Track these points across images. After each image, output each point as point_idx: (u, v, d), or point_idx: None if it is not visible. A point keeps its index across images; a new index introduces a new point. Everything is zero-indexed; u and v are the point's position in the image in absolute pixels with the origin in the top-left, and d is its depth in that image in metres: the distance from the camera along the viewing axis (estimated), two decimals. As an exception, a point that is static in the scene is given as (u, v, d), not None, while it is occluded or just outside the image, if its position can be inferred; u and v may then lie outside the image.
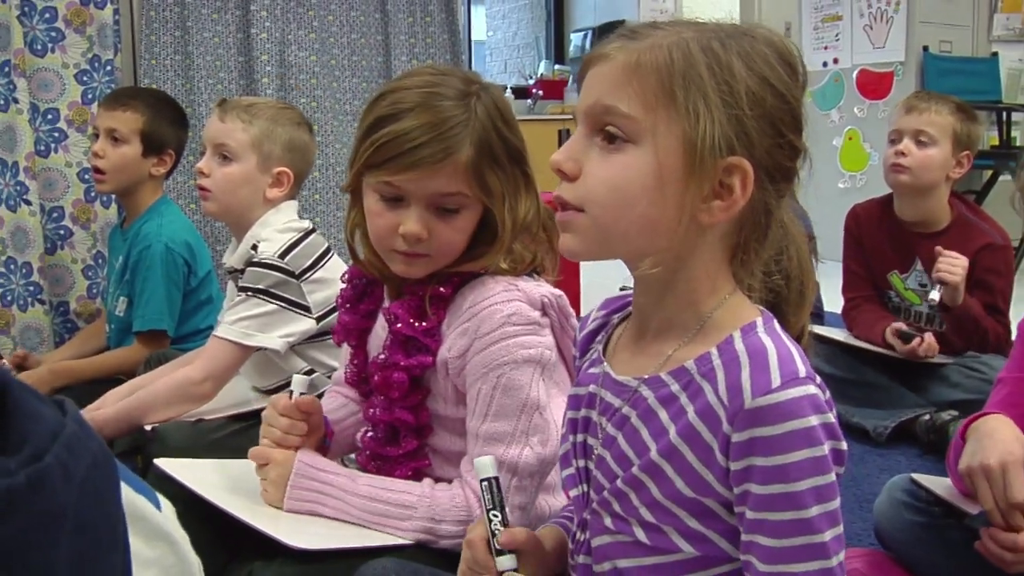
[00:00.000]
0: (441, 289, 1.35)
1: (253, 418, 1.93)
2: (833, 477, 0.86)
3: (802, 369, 0.87)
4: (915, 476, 1.62)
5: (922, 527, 1.57)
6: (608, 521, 0.97)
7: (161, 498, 0.73)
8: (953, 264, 2.41)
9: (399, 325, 1.35)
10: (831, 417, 0.86)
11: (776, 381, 0.85)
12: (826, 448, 0.85)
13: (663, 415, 0.92)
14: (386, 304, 1.42)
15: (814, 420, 0.84)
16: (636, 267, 0.93)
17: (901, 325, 2.58)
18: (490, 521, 1.04)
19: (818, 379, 0.88)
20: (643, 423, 0.94)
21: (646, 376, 0.95)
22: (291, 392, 1.43)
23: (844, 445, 0.87)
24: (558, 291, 1.36)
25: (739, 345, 0.89)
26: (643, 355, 0.97)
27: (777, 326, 0.93)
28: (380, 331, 1.44)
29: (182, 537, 0.73)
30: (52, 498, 0.51)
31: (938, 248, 2.45)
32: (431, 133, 1.26)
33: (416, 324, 1.34)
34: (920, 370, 2.56)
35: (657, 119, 0.88)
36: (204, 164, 2.02)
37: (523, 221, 1.34)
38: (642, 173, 0.88)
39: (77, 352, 2.72)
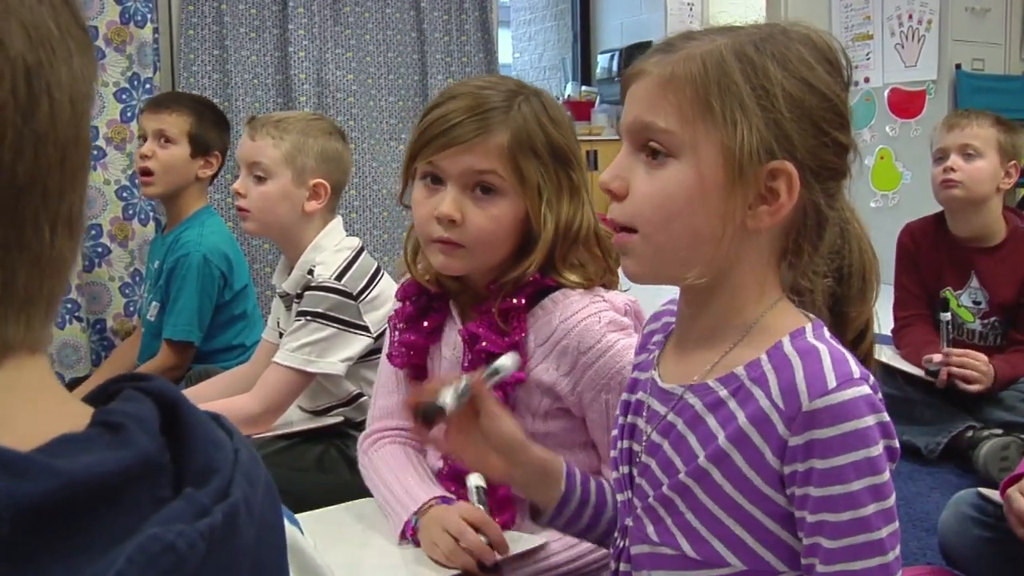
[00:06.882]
0: (513, 301, 1.32)
1: (298, 436, 1.96)
2: (888, 475, 0.85)
3: (856, 369, 0.86)
4: (982, 490, 1.58)
5: (989, 542, 1.54)
6: (650, 530, 0.96)
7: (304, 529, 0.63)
8: (969, 371, 2.43)
9: (483, 343, 1.32)
10: (885, 416, 0.86)
11: (832, 382, 0.84)
12: (881, 447, 0.84)
13: (711, 421, 0.91)
14: (458, 325, 1.40)
15: (870, 420, 0.84)
16: (684, 279, 0.92)
17: (933, 356, 2.52)
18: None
19: (871, 378, 0.88)
20: (690, 430, 0.93)
21: (691, 383, 0.94)
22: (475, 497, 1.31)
23: (897, 443, 0.87)
24: (633, 297, 1.36)
25: (788, 348, 0.88)
26: (686, 362, 0.96)
27: (827, 333, 0.92)
28: (446, 352, 1.41)
29: (331, 572, 0.63)
30: (240, 536, 0.45)
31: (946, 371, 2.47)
32: (469, 113, 1.29)
33: (500, 340, 1.31)
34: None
35: (696, 131, 0.88)
36: (240, 184, 2.01)
37: (569, 226, 1.32)
38: (685, 187, 0.88)
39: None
